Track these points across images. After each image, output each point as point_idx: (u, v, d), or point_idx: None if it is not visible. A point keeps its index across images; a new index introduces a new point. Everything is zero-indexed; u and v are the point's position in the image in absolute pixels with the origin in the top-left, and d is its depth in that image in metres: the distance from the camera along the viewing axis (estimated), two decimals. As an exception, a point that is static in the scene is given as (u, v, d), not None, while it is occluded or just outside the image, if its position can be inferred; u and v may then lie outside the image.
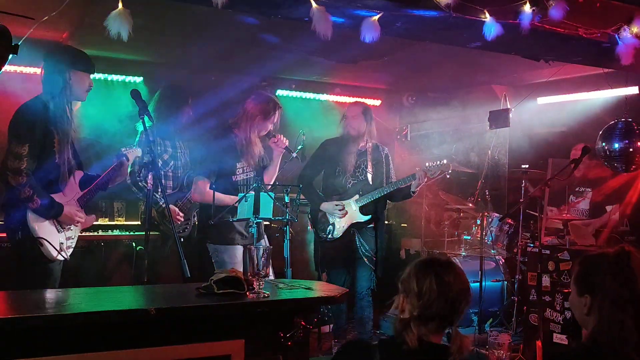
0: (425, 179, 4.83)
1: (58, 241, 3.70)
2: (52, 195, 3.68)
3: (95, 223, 5.34)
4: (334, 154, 5.05)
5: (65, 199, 3.77)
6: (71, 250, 3.86)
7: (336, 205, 4.94)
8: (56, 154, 3.66)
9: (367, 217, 4.98)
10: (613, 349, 1.95)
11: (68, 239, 3.81)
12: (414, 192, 4.95)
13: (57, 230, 3.73)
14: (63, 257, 3.73)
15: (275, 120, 4.63)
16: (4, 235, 3.80)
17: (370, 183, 5.01)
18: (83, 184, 3.94)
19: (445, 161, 4.87)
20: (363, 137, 5.04)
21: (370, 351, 2.06)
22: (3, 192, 3.63)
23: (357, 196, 4.96)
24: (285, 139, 4.61)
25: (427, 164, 4.86)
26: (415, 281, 2.06)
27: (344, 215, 4.94)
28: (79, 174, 3.92)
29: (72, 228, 3.84)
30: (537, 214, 5.03)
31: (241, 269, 4.20)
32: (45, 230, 3.64)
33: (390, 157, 5.20)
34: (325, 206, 4.99)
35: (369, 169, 5.02)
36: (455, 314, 2.06)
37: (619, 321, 1.96)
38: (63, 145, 3.69)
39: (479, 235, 5.85)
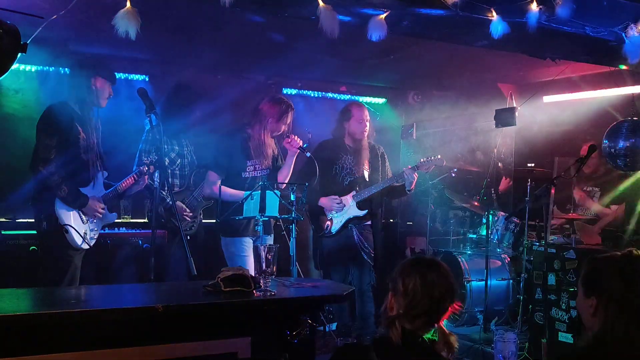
0: (415, 176, 4.90)
1: (82, 230, 4.00)
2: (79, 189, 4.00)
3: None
4: (332, 155, 5.09)
5: (91, 193, 4.07)
6: (94, 241, 4.15)
7: (334, 199, 5.00)
8: (81, 151, 3.98)
9: (364, 212, 5.03)
10: (618, 350, 1.96)
11: (92, 230, 4.12)
12: (409, 191, 5.02)
13: (82, 221, 4.03)
14: (87, 245, 4.02)
15: (288, 121, 4.71)
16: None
17: (367, 181, 5.08)
18: (106, 186, 4.25)
19: (439, 156, 4.98)
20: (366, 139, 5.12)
21: (366, 352, 2.10)
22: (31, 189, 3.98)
23: (354, 192, 5.02)
24: (299, 139, 4.66)
25: (421, 159, 4.98)
26: (401, 281, 2.13)
27: (342, 210, 5.01)
28: (104, 174, 4.25)
29: (95, 221, 4.13)
30: (540, 221, 5.01)
31: (251, 262, 4.25)
32: (71, 219, 3.95)
33: (386, 156, 5.28)
34: (323, 201, 5.05)
35: (366, 166, 5.11)
36: (439, 312, 2.12)
37: (624, 324, 1.97)
38: (89, 144, 4.02)
39: (484, 234, 5.84)
